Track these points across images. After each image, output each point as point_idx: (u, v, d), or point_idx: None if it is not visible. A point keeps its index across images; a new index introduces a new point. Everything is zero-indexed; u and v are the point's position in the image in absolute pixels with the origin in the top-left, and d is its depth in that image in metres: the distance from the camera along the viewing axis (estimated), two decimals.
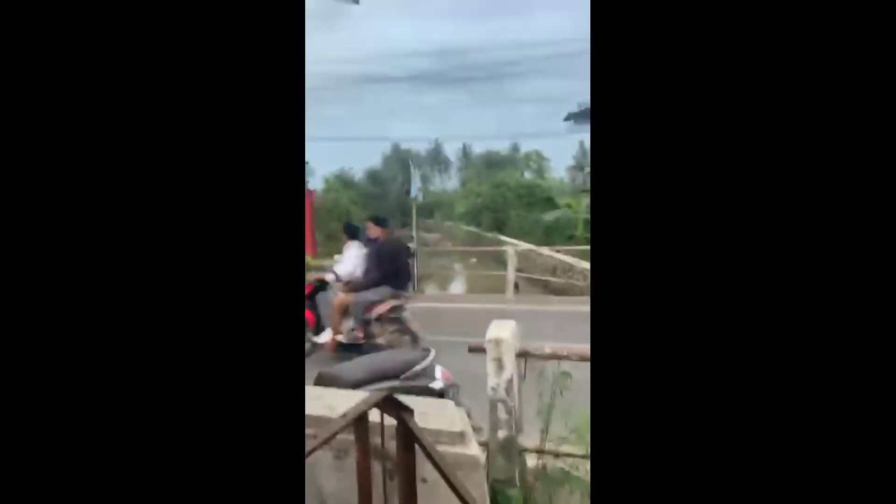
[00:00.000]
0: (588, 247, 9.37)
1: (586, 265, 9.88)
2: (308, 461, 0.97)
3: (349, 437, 1.67)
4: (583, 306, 8.00)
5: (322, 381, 2.51)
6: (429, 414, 2.25)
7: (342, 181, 14.80)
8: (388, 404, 1.64)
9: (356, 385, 2.38)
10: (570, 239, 12.27)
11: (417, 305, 6.20)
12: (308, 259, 11.50)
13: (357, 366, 2.71)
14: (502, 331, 2.37)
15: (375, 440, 1.78)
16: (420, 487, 1.91)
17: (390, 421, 1.70)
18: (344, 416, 1.45)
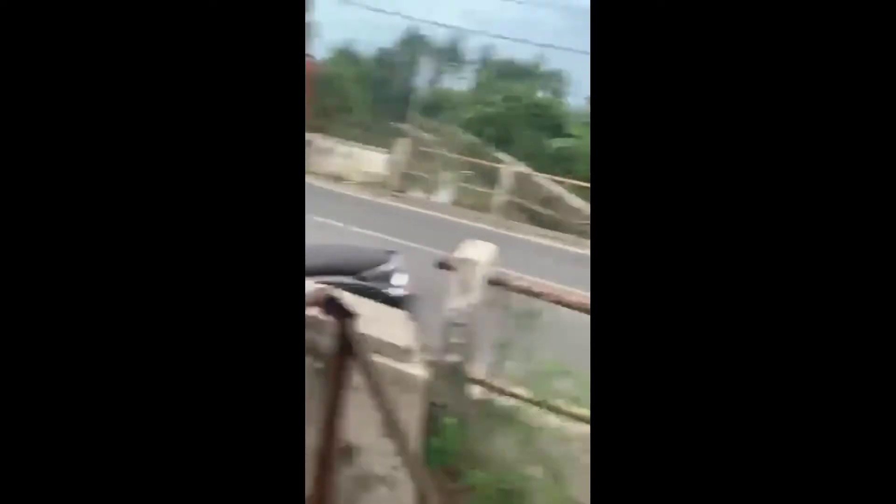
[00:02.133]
0: (584, 182, 9.08)
1: (577, 201, 9.63)
2: None
3: None
4: (564, 244, 7.86)
5: None
6: (377, 321, 2.08)
7: (347, 56, 13.64)
8: (331, 305, 1.43)
9: (307, 272, 2.16)
10: (569, 173, 11.95)
11: (398, 206, 6.02)
12: None
13: (311, 252, 2.47)
14: (477, 252, 2.14)
15: (312, 335, 1.62)
16: (352, 394, 1.78)
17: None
18: None
